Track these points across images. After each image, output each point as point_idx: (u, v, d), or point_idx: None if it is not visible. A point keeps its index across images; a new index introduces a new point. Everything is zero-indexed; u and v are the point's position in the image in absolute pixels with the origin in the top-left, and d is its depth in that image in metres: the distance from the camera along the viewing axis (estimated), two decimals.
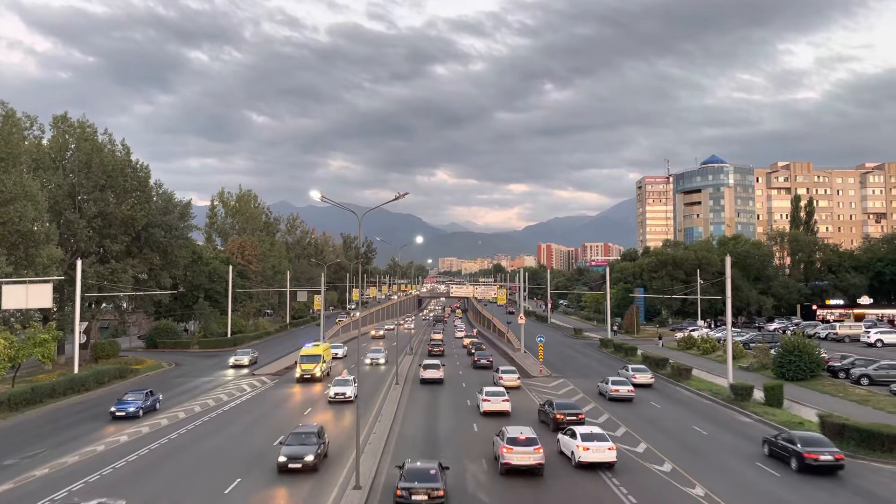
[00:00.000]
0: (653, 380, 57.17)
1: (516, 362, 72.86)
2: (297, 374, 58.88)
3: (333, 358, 71.62)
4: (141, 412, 42.73)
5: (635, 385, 53.00)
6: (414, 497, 24.45)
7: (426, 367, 59.41)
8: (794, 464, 30.75)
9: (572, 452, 31.44)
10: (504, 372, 56.73)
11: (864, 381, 51.27)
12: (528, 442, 29.86)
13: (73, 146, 71.92)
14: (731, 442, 36.96)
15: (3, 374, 48.84)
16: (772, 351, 60.75)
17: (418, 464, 26.70)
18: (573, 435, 31.94)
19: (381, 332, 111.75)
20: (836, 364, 56.31)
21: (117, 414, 42.02)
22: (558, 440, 33.93)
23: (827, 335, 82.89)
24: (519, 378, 56.62)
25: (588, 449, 30.49)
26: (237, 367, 68.48)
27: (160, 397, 46.80)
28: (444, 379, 58.66)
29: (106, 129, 75.37)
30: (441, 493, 24.76)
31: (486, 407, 43.85)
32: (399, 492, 24.69)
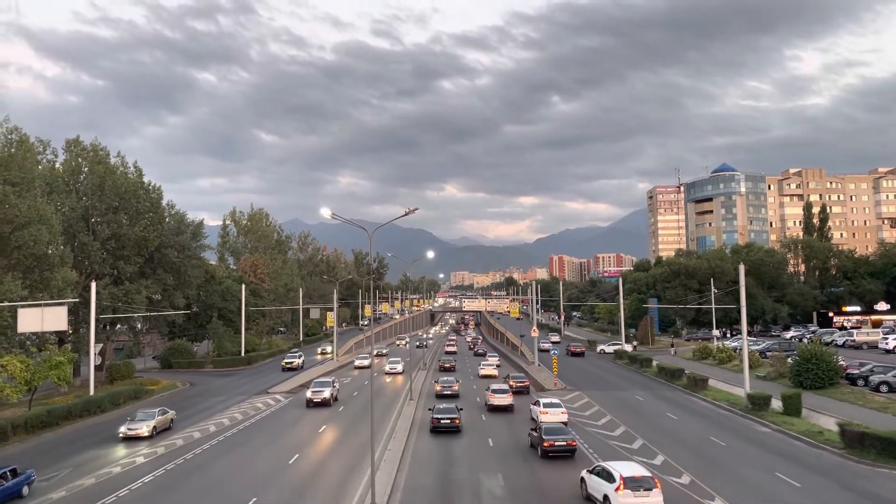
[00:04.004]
0: (559, 339, 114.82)
1: (530, 375, 72.51)
2: None
3: None
4: None
5: (552, 342, 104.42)
6: (444, 421, 42.19)
7: (448, 343, 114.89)
8: None
9: (537, 416, 43.64)
10: (489, 356, 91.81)
11: (884, 388, 50.62)
12: (504, 391, 51.62)
13: (85, 169, 72.55)
14: (750, 453, 36.52)
15: (19, 396, 49.06)
16: (789, 359, 60.14)
17: (438, 392, 56.92)
18: (537, 404, 45.39)
19: (329, 392, 54.63)
20: (855, 371, 55.63)
21: None
22: (530, 409, 47.13)
23: (844, 342, 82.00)
24: (499, 359, 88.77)
25: (547, 413, 43.21)
26: (129, 439, 41.82)
27: (32, 476, 31.21)
28: (457, 351, 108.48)
29: (119, 152, 76.20)
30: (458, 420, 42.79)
31: (482, 372, 74.89)
32: (434, 419, 42.71)
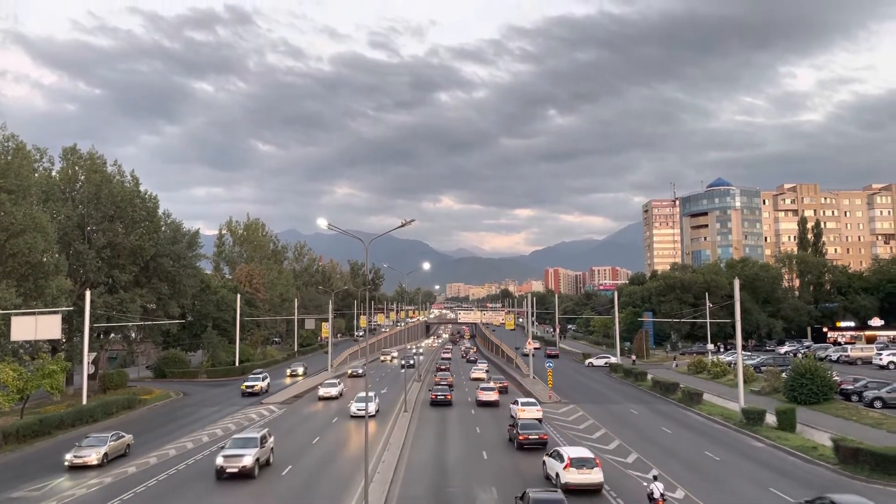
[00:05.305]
0: (538, 346, 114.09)
1: (525, 388, 72.46)
2: None
3: None
4: None
5: (536, 348, 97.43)
6: (439, 397, 60.18)
7: (444, 351, 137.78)
8: None
9: (516, 414, 48.98)
10: (480, 362, 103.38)
11: (878, 403, 50.66)
12: (491, 389, 61.54)
13: (82, 178, 72.48)
14: (744, 468, 36.48)
15: (12, 405, 48.78)
16: (783, 374, 60.18)
17: (437, 382, 68.03)
18: (516, 403, 51.91)
19: (252, 457, 34.10)
20: (849, 387, 55.70)
21: None
22: (510, 407, 53.06)
23: (838, 358, 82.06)
24: (487, 365, 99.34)
25: (524, 411, 49.13)
26: (75, 468, 36.60)
27: None
28: (452, 358, 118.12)
29: (115, 161, 76.22)
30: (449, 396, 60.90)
31: (473, 375, 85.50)
32: (433, 395, 60.67)
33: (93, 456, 36.93)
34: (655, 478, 27.96)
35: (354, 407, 53.76)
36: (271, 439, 37.94)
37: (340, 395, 66.64)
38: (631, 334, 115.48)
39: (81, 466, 36.54)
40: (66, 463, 36.61)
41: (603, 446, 41.89)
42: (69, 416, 50.39)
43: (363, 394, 51.32)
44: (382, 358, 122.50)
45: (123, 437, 40.96)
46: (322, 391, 66.11)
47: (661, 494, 26.79)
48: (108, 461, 37.66)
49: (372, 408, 52.02)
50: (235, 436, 38.28)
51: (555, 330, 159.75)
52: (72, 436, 47.34)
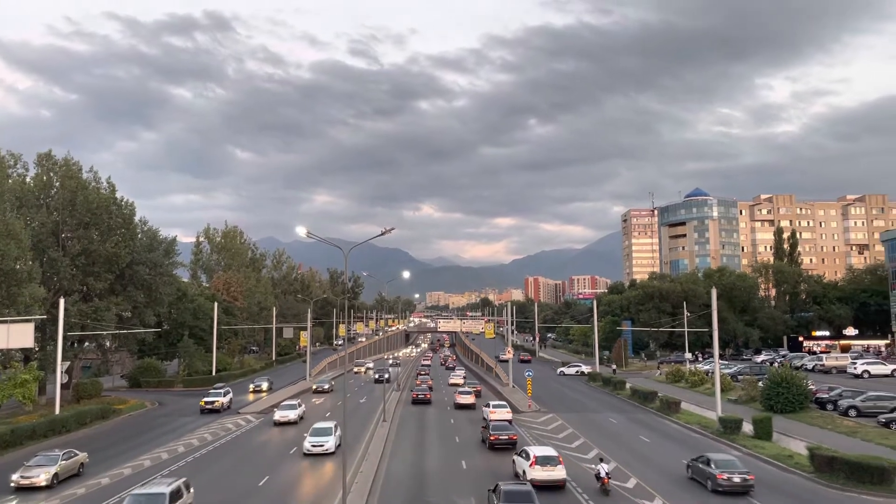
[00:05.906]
0: (511, 355, 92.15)
1: (505, 397, 72.33)
2: None
3: None
4: None
5: (512, 356, 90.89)
6: (420, 396, 67.68)
7: (424, 359, 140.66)
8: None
9: (488, 416, 52.27)
10: (457, 369, 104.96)
11: (852, 412, 51.32)
12: (468, 393, 65.58)
13: (57, 184, 71.43)
14: None
15: None
16: (760, 383, 60.75)
17: (418, 385, 73.00)
18: (488, 405, 55.32)
19: None
20: (824, 396, 56.39)
21: None
22: (483, 410, 55.91)
23: (814, 366, 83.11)
24: (465, 372, 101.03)
25: (494, 412, 52.42)
26: (23, 489, 34.51)
27: None
28: (431, 365, 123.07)
29: (91, 167, 75.20)
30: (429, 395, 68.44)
31: (450, 381, 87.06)
32: (414, 394, 68.57)
33: (41, 476, 34.54)
34: (602, 459, 32.86)
35: (309, 442, 42.57)
36: (190, 493, 29.97)
37: (301, 418, 56.46)
38: (610, 343, 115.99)
39: (29, 488, 34.15)
40: (13, 484, 34.10)
41: (582, 455, 41.90)
42: (42, 426, 49.46)
43: (321, 424, 45.23)
44: (356, 369, 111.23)
45: (76, 455, 38.16)
46: (278, 415, 55.87)
47: (607, 473, 31.21)
48: (58, 482, 35.21)
49: (331, 443, 42.31)
50: (136, 491, 29.49)
51: (534, 339, 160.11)
52: (44, 446, 46.46)
